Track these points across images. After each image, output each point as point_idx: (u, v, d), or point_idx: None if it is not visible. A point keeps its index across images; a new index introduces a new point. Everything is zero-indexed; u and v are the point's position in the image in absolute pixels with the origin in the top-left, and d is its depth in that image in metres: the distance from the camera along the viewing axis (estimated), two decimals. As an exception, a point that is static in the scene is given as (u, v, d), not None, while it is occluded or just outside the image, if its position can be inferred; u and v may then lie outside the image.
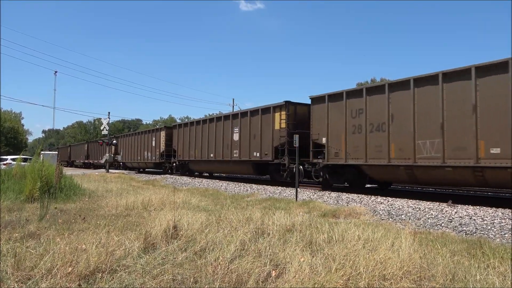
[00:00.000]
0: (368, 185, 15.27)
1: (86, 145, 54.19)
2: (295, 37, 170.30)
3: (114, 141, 37.73)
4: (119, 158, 37.86)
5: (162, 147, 28.85)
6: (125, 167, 38.50)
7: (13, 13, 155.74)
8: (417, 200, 11.29)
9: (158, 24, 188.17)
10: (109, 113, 40.26)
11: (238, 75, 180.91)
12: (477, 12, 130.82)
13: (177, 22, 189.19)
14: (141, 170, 35.95)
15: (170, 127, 29.55)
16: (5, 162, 28.70)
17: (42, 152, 19.85)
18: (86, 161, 52.94)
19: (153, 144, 30.36)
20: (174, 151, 27.55)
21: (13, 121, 78.83)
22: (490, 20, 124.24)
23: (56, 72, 74.67)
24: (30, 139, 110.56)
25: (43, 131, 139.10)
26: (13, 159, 28.03)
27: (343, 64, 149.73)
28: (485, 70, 9.87)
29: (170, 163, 28.36)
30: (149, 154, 31.01)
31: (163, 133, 29.18)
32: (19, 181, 12.28)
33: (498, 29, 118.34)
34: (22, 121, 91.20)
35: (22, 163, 15.27)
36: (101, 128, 40.18)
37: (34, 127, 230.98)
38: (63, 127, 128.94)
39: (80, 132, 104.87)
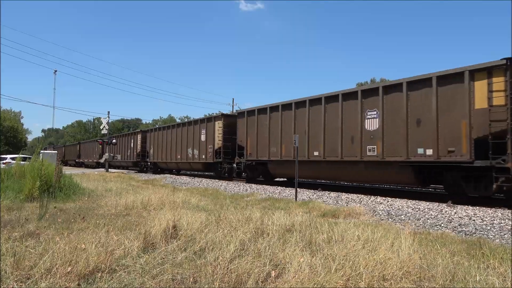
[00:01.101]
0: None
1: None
2: (294, 37, 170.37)
3: (114, 141, 37.69)
4: (151, 157, 31.60)
5: (218, 143, 22.00)
6: (156, 168, 32.02)
7: (13, 12, 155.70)
8: (417, 201, 11.29)
9: (158, 24, 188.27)
10: (108, 112, 40.32)
11: (238, 75, 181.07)
12: (478, 12, 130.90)
13: (176, 21, 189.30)
14: (179, 172, 31.16)
15: (229, 116, 23.26)
16: (4, 161, 28.68)
17: (41, 151, 19.85)
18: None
19: (203, 139, 23.69)
20: (240, 148, 20.44)
21: (12, 120, 78.75)
22: (490, 21, 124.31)
23: (55, 71, 74.83)
24: (30, 138, 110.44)
25: (43, 130, 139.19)
26: (12, 158, 28.05)
27: (343, 64, 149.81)
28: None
29: (231, 163, 21.38)
30: (196, 151, 24.40)
31: (219, 124, 22.23)
32: (18, 180, 12.27)
33: (498, 29, 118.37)
34: (22, 120, 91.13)
35: (22, 162, 15.27)
36: (101, 127, 40.16)
37: (34, 126, 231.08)
38: (63, 126, 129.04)
39: (80, 132, 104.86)
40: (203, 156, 23.72)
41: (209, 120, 23.76)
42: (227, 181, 20.62)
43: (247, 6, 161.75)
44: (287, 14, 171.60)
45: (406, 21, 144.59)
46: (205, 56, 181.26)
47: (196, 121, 25.22)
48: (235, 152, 21.06)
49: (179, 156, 26.78)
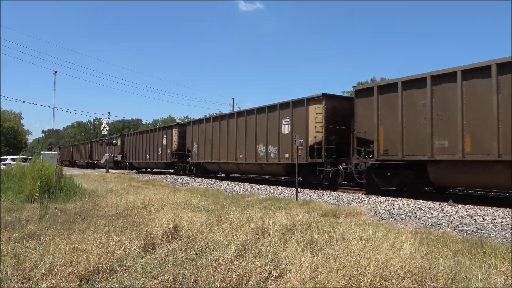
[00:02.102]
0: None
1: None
2: (294, 37, 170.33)
3: (114, 141, 37.66)
4: (193, 156, 24.92)
5: (318, 136, 15.09)
6: (201, 171, 25.37)
7: (13, 13, 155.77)
8: (418, 200, 11.28)
9: (158, 24, 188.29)
10: (109, 113, 40.29)
11: (237, 75, 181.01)
12: (478, 12, 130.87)
13: (176, 22, 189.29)
14: (244, 176, 25.30)
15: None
16: (5, 162, 28.67)
17: (41, 152, 19.84)
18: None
19: (285, 131, 16.94)
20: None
21: (13, 121, 78.81)
22: (490, 21, 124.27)
23: (55, 72, 74.66)
24: (30, 139, 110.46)
25: (43, 131, 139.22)
26: (13, 159, 28.04)
27: (344, 63, 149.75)
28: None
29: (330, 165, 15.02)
30: (273, 148, 17.72)
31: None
32: (19, 181, 12.26)
33: (499, 29, 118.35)
34: (22, 121, 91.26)
35: (22, 163, 15.26)
36: (101, 128, 40.16)
37: (34, 127, 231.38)
38: (63, 127, 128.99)
39: (80, 132, 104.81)
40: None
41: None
42: (227, 181, 20.63)
43: (246, 6, 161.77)
44: (286, 14, 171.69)
45: (407, 21, 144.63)
46: (205, 56, 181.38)
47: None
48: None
49: (241, 155, 20.04)
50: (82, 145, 58.83)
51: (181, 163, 27.02)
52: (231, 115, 21.56)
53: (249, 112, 19.71)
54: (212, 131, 22.85)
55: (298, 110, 16.18)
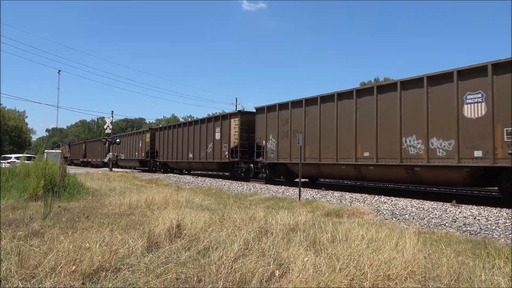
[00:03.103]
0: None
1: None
2: (296, 36, 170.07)
3: (118, 140, 37.69)
4: (270, 154, 18.18)
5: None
6: (285, 175, 18.91)
7: (17, 11, 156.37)
8: (421, 200, 11.25)
9: (161, 24, 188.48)
10: (112, 112, 40.12)
11: (240, 75, 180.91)
12: (478, 12, 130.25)
13: (180, 21, 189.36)
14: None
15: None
16: (9, 161, 28.81)
17: (45, 150, 19.91)
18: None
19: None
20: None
21: (17, 119, 79.17)
22: (490, 21, 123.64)
23: (59, 71, 74.79)
24: (34, 137, 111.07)
25: (47, 130, 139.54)
26: (17, 158, 28.18)
27: (346, 63, 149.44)
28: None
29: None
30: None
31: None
32: (23, 179, 12.32)
33: (499, 29, 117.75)
34: (26, 120, 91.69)
35: (26, 161, 15.33)
36: (105, 127, 40.19)
37: (38, 126, 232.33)
38: (67, 126, 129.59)
39: (84, 131, 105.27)
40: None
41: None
42: (230, 181, 20.64)
43: (249, 5, 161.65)
44: (289, 14, 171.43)
45: (408, 21, 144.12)
46: (208, 55, 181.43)
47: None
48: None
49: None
50: (98, 142, 48.66)
51: (244, 164, 20.37)
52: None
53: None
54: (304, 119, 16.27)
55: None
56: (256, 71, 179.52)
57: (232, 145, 20.76)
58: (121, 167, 40.45)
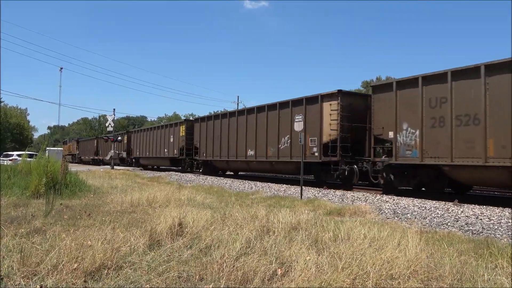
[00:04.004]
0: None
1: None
2: (298, 34, 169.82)
3: (119, 138, 37.69)
4: (405, 151, 12.36)
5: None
6: (432, 183, 12.75)
7: (20, 9, 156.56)
8: (423, 199, 11.23)
9: (163, 22, 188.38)
10: (114, 109, 39.99)
11: (242, 73, 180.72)
12: (479, 11, 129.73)
13: (182, 20, 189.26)
14: None
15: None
16: (11, 158, 28.89)
17: (47, 148, 19.96)
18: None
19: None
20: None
21: (19, 117, 79.29)
22: (490, 20, 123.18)
23: (61, 68, 75.04)
24: (36, 135, 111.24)
25: (49, 127, 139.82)
26: (18, 155, 28.24)
27: (348, 62, 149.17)
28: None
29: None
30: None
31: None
32: (24, 177, 12.34)
33: (499, 29, 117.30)
34: (28, 118, 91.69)
35: (28, 159, 15.37)
36: (106, 124, 40.10)
37: (40, 124, 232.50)
38: (68, 124, 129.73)
39: (85, 129, 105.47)
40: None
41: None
42: (232, 179, 20.63)
43: (251, 4, 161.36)
44: (290, 12, 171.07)
45: (410, 21, 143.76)
46: (210, 54, 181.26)
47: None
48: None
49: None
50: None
51: (345, 164, 14.64)
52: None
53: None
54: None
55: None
56: (258, 69, 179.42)
57: (325, 138, 14.85)
58: (143, 166, 35.17)
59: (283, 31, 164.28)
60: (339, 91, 14.53)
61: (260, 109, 18.95)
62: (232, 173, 25.60)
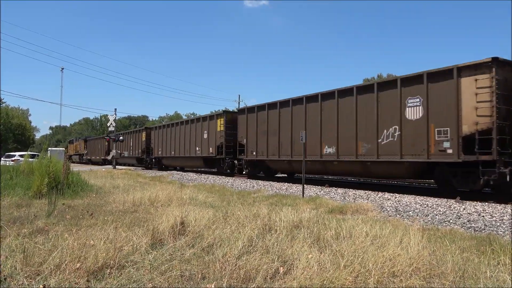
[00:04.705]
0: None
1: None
2: (300, 33, 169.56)
3: (121, 137, 37.68)
4: None
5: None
6: None
7: (21, 9, 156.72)
8: (425, 197, 11.22)
9: (164, 22, 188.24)
10: (115, 109, 40.00)
11: (243, 72, 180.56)
12: (480, 10, 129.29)
13: (182, 19, 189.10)
14: None
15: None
16: (13, 159, 28.97)
17: (49, 148, 20.00)
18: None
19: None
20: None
21: (20, 117, 79.44)
22: (491, 20, 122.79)
23: (62, 68, 75.17)
24: (38, 135, 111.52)
25: (50, 128, 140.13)
26: (21, 156, 28.31)
27: (350, 60, 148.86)
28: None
29: None
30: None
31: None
32: (27, 177, 12.37)
33: (499, 29, 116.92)
34: (30, 118, 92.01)
35: (30, 159, 15.40)
36: (108, 124, 40.14)
37: (41, 124, 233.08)
38: (70, 124, 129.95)
39: (87, 129, 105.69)
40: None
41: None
42: (233, 178, 20.64)
43: (251, 3, 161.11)
44: (291, 11, 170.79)
45: (411, 19, 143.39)
46: (211, 53, 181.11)
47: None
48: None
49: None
50: (129, 135, 38.09)
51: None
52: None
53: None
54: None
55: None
56: (259, 68, 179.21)
57: (467, 129, 10.46)
58: (165, 167, 31.04)
59: (284, 29, 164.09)
60: (494, 60, 10.01)
61: (344, 92, 14.35)
62: (298, 175, 20.45)
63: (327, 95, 15.16)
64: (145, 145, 32.92)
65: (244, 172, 21.12)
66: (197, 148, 24.61)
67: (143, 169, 33.02)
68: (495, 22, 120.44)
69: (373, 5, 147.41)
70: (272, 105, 18.31)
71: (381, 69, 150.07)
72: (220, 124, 22.00)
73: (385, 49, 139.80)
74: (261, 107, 19.07)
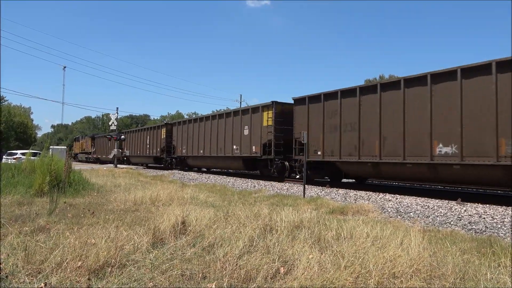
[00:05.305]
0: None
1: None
2: (300, 33, 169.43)
3: (122, 136, 37.71)
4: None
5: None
6: None
7: (23, 8, 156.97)
8: (426, 198, 11.21)
9: (166, 21, 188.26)
10: (117, 108, 39.98)
11: (245, 71, 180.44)
12: (481, 10, 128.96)
13: (184, 19, 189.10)
14: None
15: None
16: (15, 157, 29.01)
17: (50, 147, 20.05)
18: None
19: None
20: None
21: (22, 116, 79.56)
22: (492, 20, 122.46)
23: (65, 67, 75.27)
24: (39, 134, 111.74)
25: (52, 126, 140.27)
26: (22, 154, 28.35)
27: (350, 60, 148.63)
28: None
29: None
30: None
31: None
32: (28, 175, 12.40)
33: (499, 28, 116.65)
34: (32, 116, 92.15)
35: (32, 157, 15.43)
36: (110, 123, 40.19)
37: (43, 122, 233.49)
38: (72, 122, 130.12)
39: (89, 127, 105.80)
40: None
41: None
42: (234, 177, 20.65)
43: (253, 2, 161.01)
44: (292, 11, 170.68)
45: (412, 20, 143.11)
46: (212, 52, 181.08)
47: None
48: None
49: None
50: (141, 132, 35.50)
51: None
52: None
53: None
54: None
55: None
56: (259, 68, 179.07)
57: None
58: (189, 168, 28.51)
59: (286, 29, 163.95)
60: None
61: (473, 70, 10.47)
62: (371, 180, 17.96)
63: (442, 76, 11.21)
64: (165, 143, 29.84)
65: (297, 177, 17.07)
66: (234, 147, 20.75)
67: (145, 168, 33.19)
68: (495, 22, 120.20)
69: (373, 5, 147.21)
70: (347, 92, 14.37)
71: (382, 70, 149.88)
72: (267, 117, 18.21)
73: (386, 49, 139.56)
74: (329, 95, 15.11)
